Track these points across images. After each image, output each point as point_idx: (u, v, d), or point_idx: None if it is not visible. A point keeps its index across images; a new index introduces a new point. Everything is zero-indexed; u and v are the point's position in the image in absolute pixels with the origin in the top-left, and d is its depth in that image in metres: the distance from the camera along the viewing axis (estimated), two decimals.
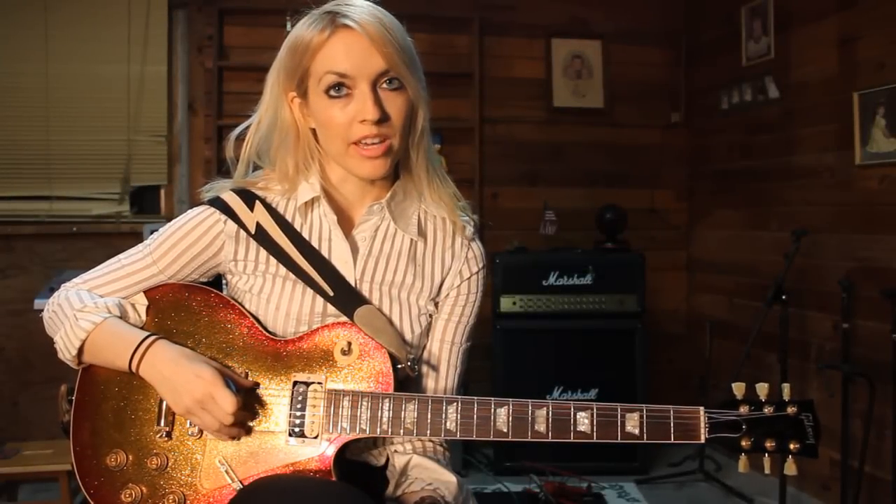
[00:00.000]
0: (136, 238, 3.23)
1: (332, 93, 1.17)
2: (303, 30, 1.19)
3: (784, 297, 2.93)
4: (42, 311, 1.29)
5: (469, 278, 1.32)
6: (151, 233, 1.32)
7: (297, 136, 1.26)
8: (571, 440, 1.13)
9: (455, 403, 1.15)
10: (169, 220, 1.30)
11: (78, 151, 3.69)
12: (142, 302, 1.26)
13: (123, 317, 1.24)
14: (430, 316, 1.31)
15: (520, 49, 4.14)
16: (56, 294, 1.27)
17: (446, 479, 1.23)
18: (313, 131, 1.26)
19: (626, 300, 3.61)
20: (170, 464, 1.18)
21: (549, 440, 1.13)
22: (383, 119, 1.17)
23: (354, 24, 1.15)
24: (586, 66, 4.17)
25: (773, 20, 3.50)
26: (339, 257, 1.26)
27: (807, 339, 3.26)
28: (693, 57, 4.22)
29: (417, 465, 1.25)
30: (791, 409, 1.15)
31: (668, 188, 4.30)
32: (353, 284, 1.25)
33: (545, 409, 1.14)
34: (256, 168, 1.32)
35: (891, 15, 2.86)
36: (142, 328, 1.23)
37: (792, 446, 1.14)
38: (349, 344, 1.18)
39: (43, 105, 3.64)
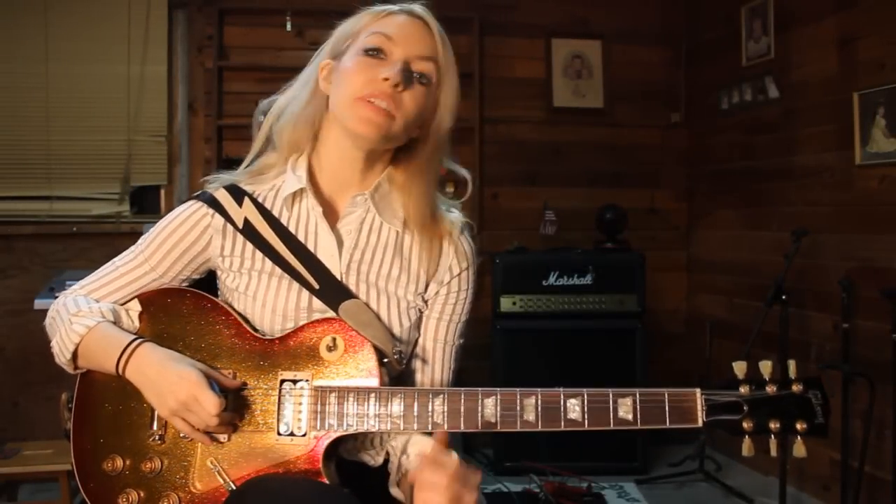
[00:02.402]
0: (136, 238, 3.23)
1: (370, 52, 1.19)
2: (367, 10, 1.24)
3: (784, 297, 2.92)
4: (42, 310, 1.31)
5: (459, 274, 1.31)
6: None
7: (312, 93, 1.26)
8: (562, 429, 1.11)
9: (441, 395, 1.14)
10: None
11: (78, 151, 3.70)
12: (135, 308, 1.27)
13: (117, 321, 1.25)
14: (420, 310, 1.30)
15: (520, 49, 4.13)
16: (56, 301, 1.29)
17: None
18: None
19: (626, 300, 3.60)
20: (164, 467, 1.18)
21: (540, 429, 1.11)
22: (403, 88, 1.17)
23: (423, 13, 1.22)
24: (586, 66, 4.16)
25: (773, 20, 3.49)
26: (325, 250, 1.25)
27: (807, 339, 3.26)
28: (693, 57, 4.22)
29: (416, 441, 1.23)
30: (797, 387, 1.09)
31: (668, 188, 4.30)
32: (338, 278, 1.24)
33: (534, 397, 1.12)
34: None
35: (891, 15, 2.86)
36: (134, 333, 1.24)
37: (799, 426, 1.08)
38: (334, 340, 1.18)
39: (43, 105, 3.64)
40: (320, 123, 1.27)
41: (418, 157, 1.27)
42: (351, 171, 1.27)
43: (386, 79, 1.16)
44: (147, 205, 3.85)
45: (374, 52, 1.19)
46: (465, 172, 1.35)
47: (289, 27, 3.74)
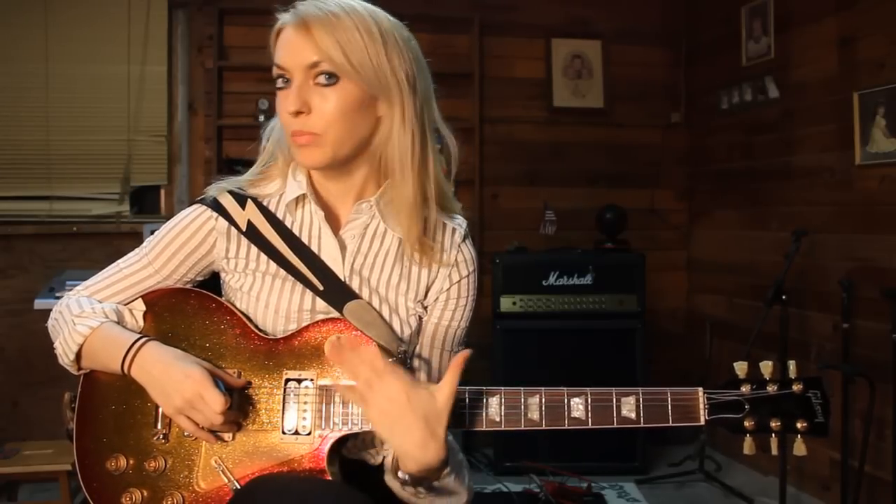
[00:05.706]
0: (136, 238, 3.24)
1: (280, 84, 1.20)
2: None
3: (784, 297, 2.93)
4: (42, 311, 1.31)
5: (459, 282, 1.30)
6: (151, 233, 1.33)
7: None
8: (566, 427, 1.11)
9: None
10: (169, 219, 1.31)
11: (78, 151, 3.69)
12: (139, 308, 1.27)
13: (121, 322, 1.25)
14: (420, 317, 1.29)
15: (520, 49, 4.14)
16: (59, 302, 1.29)
17: None
18: None
19: (626, 300, 3.60)
20: (168, 466, 1.18)
21: (544, 428, 1.12)
22: (303, 111, 1.16)
23: (292, 18, 1.17)
24: (586, 66, 4.17)
25: (773, 20, 3.50)
26: (328, 255, 1.25)
27: (807, 339, 3.26)
28: (693, 57, 4.22)
29: None
30: (797, 387, 1.11)
31: (668, 188, 4.30)
32: (342, 280, 1.25)
33: (538, 396, 1.13)
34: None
35: (891, 15, 2.86)
36: (139, 332, 1.24)
37: (799, 425, 1.10)
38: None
39: (43, 105, 3.64)
40: None
41: (392, 148, 1.22)
42: (334, 181, 1.27)
43: (289, 111, 1.16)
44: (147, 205, 3.85)
45: (282, 83, 1.19)
46: (450, 138, 1.29)
47: None
